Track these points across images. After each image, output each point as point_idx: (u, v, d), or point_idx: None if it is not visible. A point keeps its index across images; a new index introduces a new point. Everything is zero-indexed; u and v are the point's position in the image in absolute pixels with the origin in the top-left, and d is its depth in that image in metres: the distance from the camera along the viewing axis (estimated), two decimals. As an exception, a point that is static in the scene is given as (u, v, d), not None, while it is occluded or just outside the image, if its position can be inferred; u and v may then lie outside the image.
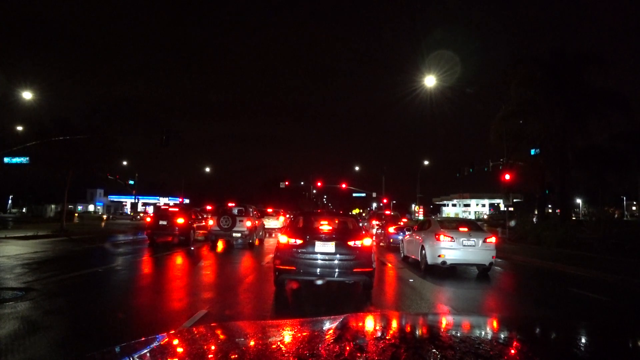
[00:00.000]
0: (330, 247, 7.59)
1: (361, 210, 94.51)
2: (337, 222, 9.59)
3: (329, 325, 1.83)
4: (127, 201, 78.00)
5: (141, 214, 53.49)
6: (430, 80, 20.65)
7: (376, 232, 22.36)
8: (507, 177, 24.29)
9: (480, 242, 11.10)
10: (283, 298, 7.72)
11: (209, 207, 24.12)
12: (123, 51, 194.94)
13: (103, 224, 37.27)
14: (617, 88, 37.43)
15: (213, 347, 1.57)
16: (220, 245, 17.63)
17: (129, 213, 68.75)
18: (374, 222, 26.06)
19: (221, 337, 1.76)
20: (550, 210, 31.85)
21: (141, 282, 9.84)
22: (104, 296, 7.68)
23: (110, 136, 24.57)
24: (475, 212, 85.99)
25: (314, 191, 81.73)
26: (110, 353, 1.50)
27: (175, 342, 1.72)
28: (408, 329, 2.00)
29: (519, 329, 2.02)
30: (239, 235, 17.43)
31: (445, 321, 2.21)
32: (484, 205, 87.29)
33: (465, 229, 11.55)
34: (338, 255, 7.55)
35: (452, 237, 11.11)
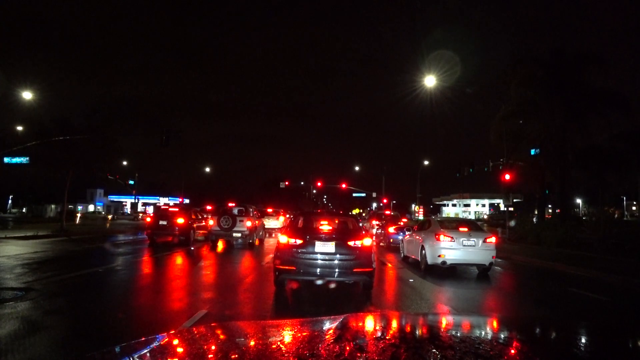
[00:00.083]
0: (330, 247, 7.58)
1: (361, 210, 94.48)
2: (337, 222, 9.59)
3: (329, 325, 1.83)
4: (127, 201, 78.04)
5: (141, 214, 53.49)
6: (430, 80, 20.66)
7: (376, 232, 22.35)
8: (507, 177, 24.27)
9: (480, 242, 11.10)
10: (283, 298, 7.72)
11: (209, 207, 24.11)
12: (123, 51, 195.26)
13: (108, 224, 37.19)
14: (617, 88, 37.41)
15: (213, 347, 1.57)
16: (220, 245, 17.64)
17: (128, 213, 68.76)
18: (374, 222, 26.10)
19: (221, 337, 1.76)
20: (550, 210, 31.84)
21: (141, 282, 9.84)
22: (104, 296, 7.69)
23: (110, 136, 24.57)
24: (475, 212, 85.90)
25: (314, 191, 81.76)
26: (110, 353, 1.50)
27: (175, 342, 1.72)
28: (408, 329, 2.00)
29: (519, 329, 2.02)
30: (239, 235, 17.45)
31: (445, 321, 2.21)
32: (484, 205, 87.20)
33: (465, 229, 11.55)
34: (338, 255, 7.55)
35: (452, 237, 11.12)
